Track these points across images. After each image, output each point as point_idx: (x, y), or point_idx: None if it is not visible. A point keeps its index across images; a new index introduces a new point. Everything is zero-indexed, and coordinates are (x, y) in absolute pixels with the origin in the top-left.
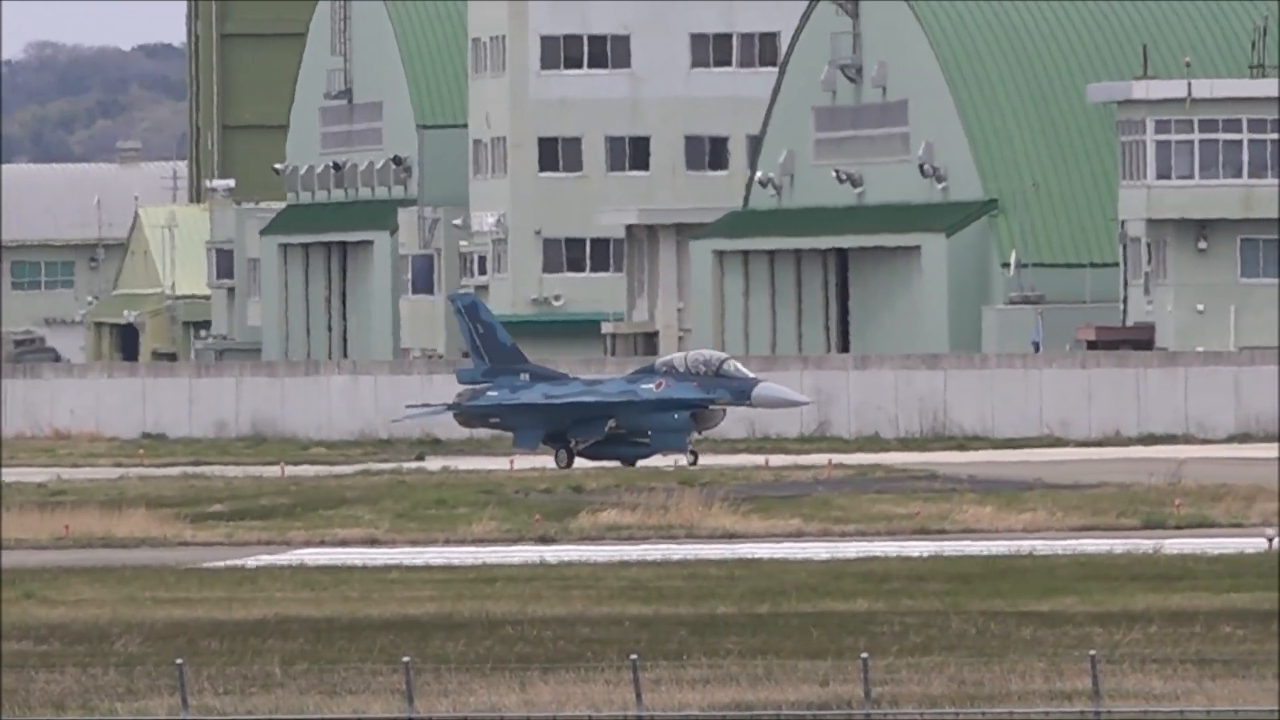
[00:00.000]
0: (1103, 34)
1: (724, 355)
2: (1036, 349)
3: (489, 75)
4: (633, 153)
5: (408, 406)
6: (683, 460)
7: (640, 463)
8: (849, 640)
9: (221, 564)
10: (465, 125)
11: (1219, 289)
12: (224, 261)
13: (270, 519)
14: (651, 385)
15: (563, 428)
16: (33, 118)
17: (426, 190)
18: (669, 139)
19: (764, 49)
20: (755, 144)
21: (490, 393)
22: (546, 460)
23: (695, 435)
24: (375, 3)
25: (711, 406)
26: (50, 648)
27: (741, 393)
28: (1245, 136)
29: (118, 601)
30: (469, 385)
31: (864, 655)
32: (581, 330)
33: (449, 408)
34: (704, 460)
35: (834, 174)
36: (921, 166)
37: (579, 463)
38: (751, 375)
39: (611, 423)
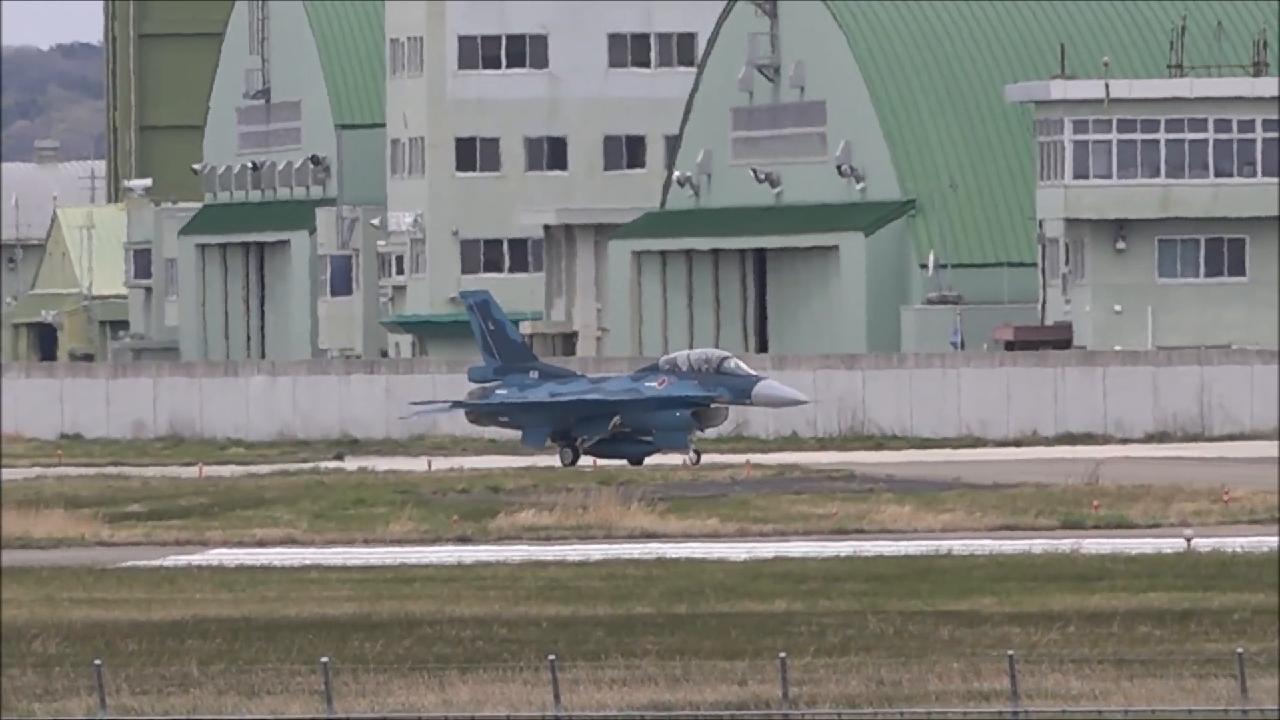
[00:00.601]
0: (1021, 34)
1: (725, 353)
2: (957, 348)
3: (407, 75)
4: (551, 153)
5: (411, 404)
6: (686, 458)
7: (640, 460)
8: (767, 640)
9: (139, 564)
10: (383, 125)
11: (1137, 289)
12: (142, 262)
13: (188, 519)
14: (655, 383)
15: (569, 426)
16: None
17: (345, 190)
18: (587, 139)
19: (682, 49)
20: (673, 144)
21: (499, 391)
22: (464, 460)
23: (698, 433)
24: (293, 3)
25: (713, 405)
26: None
27: (741, 391)
28: (1163, 136)
29: (35, 602)
30: (480, 383)
31: (782, 655)
32: None
33: (454, 405)
34: (624, 460)
35: (752, 174)
36: (839, 166)
37: (506, 461)
38: (752, 373)
39: (616, 421)
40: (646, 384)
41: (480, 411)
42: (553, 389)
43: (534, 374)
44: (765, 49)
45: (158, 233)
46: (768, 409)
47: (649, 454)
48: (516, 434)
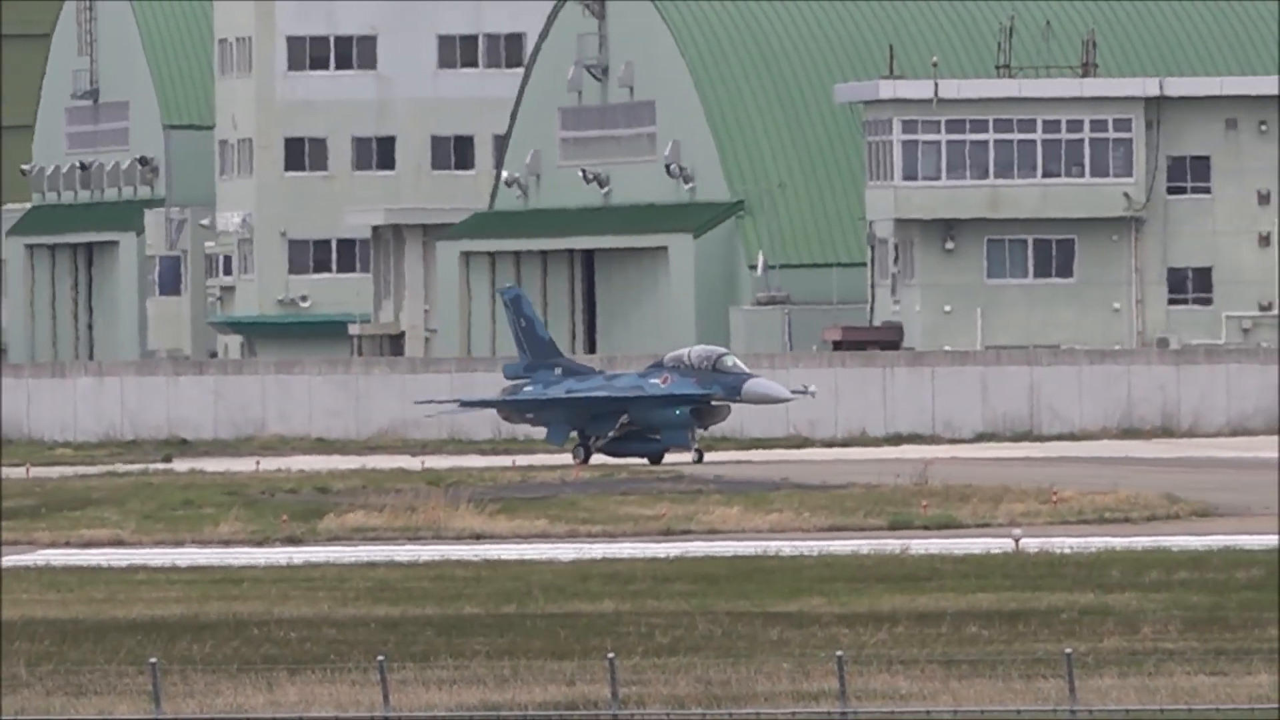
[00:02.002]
0: (849, 34)
1: (722, 350)
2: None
3: (235, 76)
4: (379, 153)
5: (416, 402)
6: (687, 456)
7: (659, 458)
8: (595, 641)
9: None
10: (212, 126)
11: (966, 289)
12: None
13: (15, 520)
14: (658, 380)
15: (584, 424)
16: None
17: (173, 191)
18: (415, 139)
19: (510, 50)
20: (501, 144)
21: (527, 388)
22: (294, 461)
23: (701, 431)
24: (121, 3)
25: (714, 402)
26: None
27: (732, 388)
28: (992, 137)
29: None
30: (513, 380)
31: (610, 656)
32: (328, 331)
33: (463, 405)
34: (453, 461)
35: (580, 174)
36: (668, 167)
37: (334, 462)
38: (745, 371)
39: (623, 419)
40: (651, 381)
41: (510, 409)
42: (570, 386)
43: (558, 371)
44: (594, 49)
45: None
46: (757, 405)
47: (662, 452)
48: (351, 432)
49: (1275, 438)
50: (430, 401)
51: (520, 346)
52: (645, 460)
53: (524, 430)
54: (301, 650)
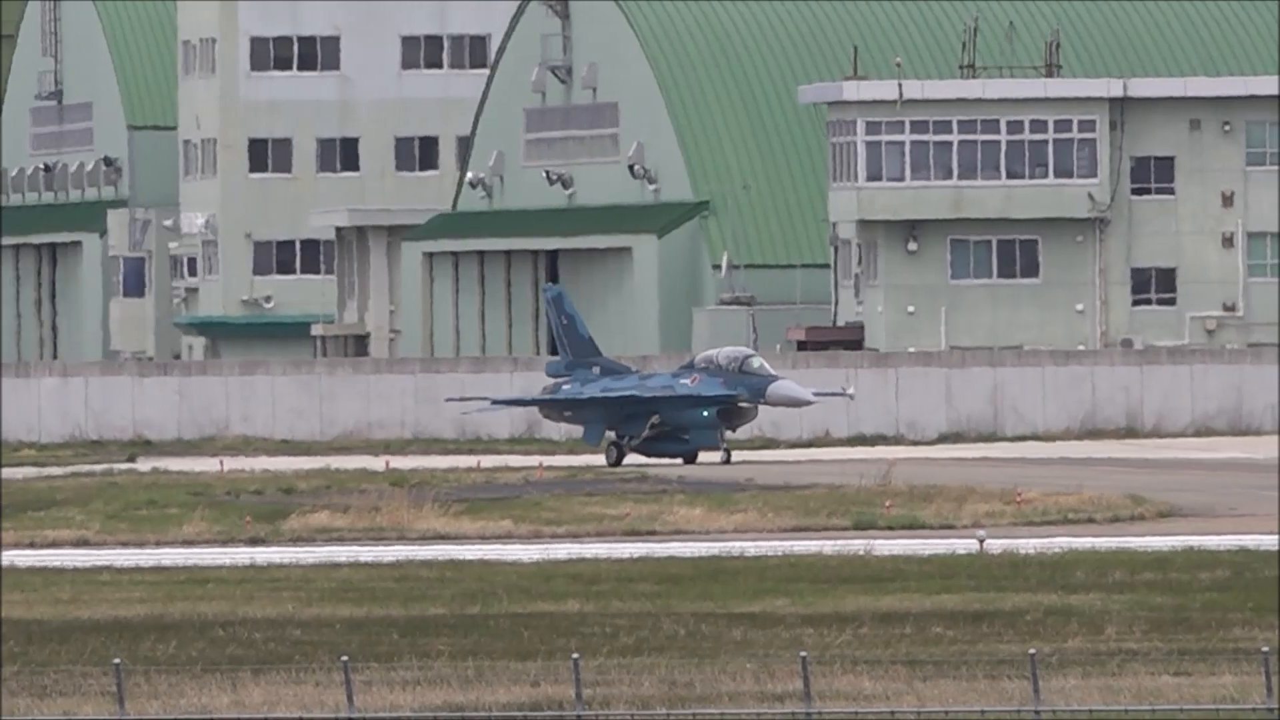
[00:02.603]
0: (813, 35)
1: (749, 351)
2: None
3: (199, 76)
4: (343, 154)
5: (447, 400)
6: (715, 457)
7: (693, 458)
8: (560, 641)
9: None
10: (175, 127)
11: (929, 290)
12: None
13: None
14: (688, 381)
15: (618, 423)
16: None
17: (137, 192)
18: (379, 140)
19: (474, 51)
20: (465, 145)
21: (565, 387)
22: (258, 462)
23: (729, 433)
24: (85, 3)
25: (740, 404)
26: None
27: (758, 390)
28: (956, 138)
29: None
30: (554, 378)
31: (575, 656)
32: (292, 332)
33: (495, 404)
34: (417, 462)
35: (544, 175)
36: (632, 168)
37: (298, 463)
38: (771, 373)
39: (654, 419)
40: (681, 382)
41: (550, 407)
42: (606, 385)
43: (596, 370)
44: (558, 50)
45: None
46: (781, 407)
47: (694, 452)
48: (315, 433)
49: (1238, 439)
50: (461, 399)
51: (561, 345)
52: (679, 460)
53: (488, 429)
54: (266, 651)
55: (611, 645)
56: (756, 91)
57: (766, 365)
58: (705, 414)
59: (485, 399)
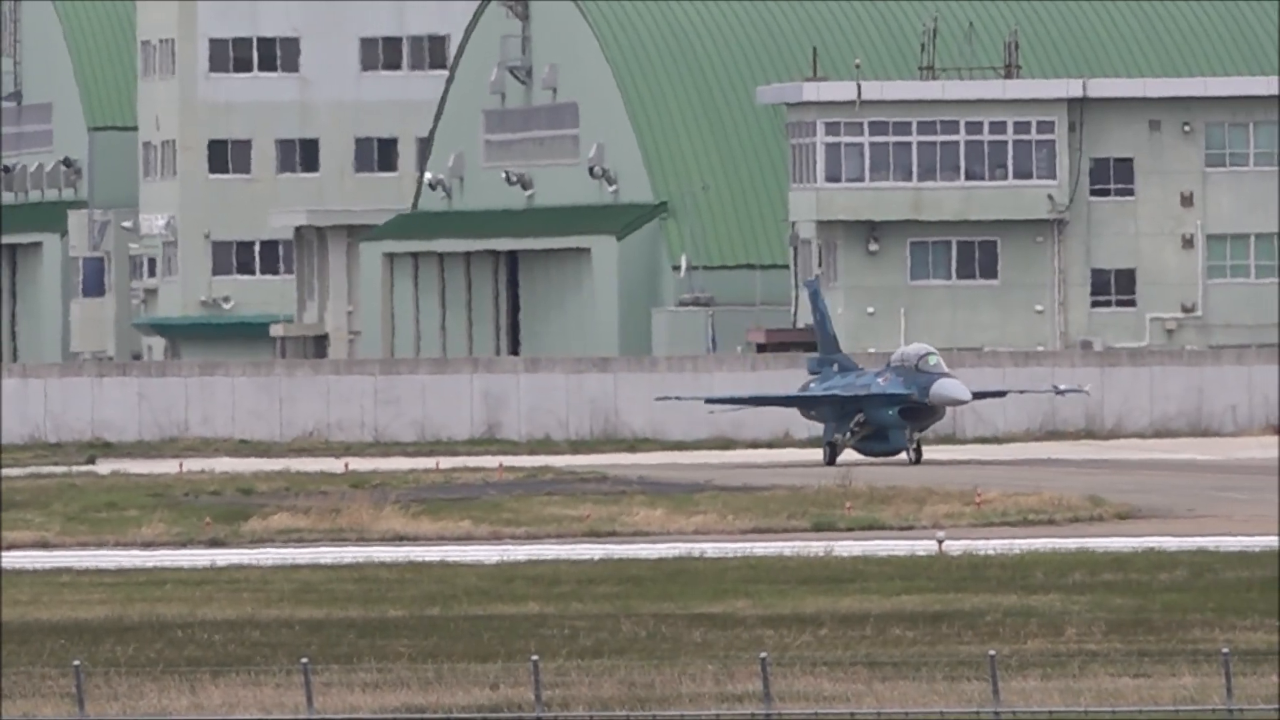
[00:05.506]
0: (773, 36)
1: (927, 349)
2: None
3: (158, 78)
4: (302, 155)
5: (658, 399)
6: (904, 456)
7: (896, 452)
8: (519, 643)
9: None
10: (135, 128)
11: (889, 291)
12: None
13: None
14: (881, 379)
15: (837, 422)
16: None
17: (97, 193)
18: (339, 141)
19: (434, 52)
20: (425, 146)
21: (811, 384)
22: (217, 463)
23: (916, 432)
24: (44, 3)
25: (914, 401)
26: None
27: (925, 388)
28: (915, 139)
29: None
30: (811, 375)
31: (534, 658)
32: (252, 333)
33: (709, 401)
34: (377, 463)
35: (504, 176)
36: (591, 169)
37: (258, 464)
38: (938, 372)
39: (859, 417)
40: (877, 380)
41: (799, 404)
42: (833, 383)
43: (835, 367)
44: (517, 51)
45: None
46: (942, 406)
47: (895, 450)
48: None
49: (1198, 440)
50: (673, 398)
51: (818, 341)
52: (887, 457)
53: (446, 430)
54: (225, 652)
55: (571, 647)
56: (716, 92)
57: (941, 364)
58: (890, 413)
59: (700, 398)
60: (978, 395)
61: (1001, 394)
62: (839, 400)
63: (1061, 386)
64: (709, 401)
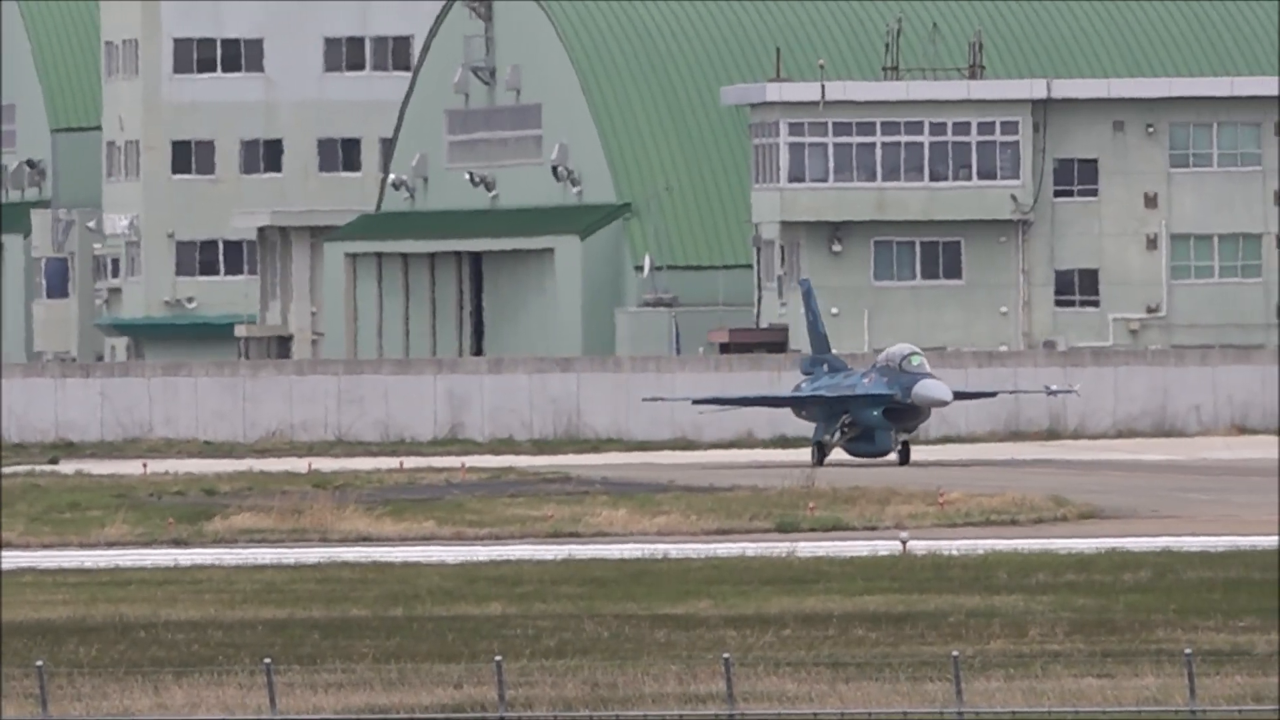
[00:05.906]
0: (736, 36)
1: (910, 349)
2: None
3: (122, 78)
4: (266, 155)
5: (645, 399)
6: (891, 458)
7: (885, 454)
8: (483, 643)
9: None
10: (99, 128)
11: (853, 291)
12: None
13: None
14: (866, 379)
15: (825, 422)
16: None
17: (60, 193)
18: (302, 142)
19: (397, 52)
20: (388, 147)
21: (803, 385)
22: (181, 463)
23: (903, 433)
24: (8, 3)
25: (896, 402)
26: None
27: (907, 388)
28: (879, 139)
29: None
30: (804, 375)
31: (498, 658)
32: (215, 333)
33: (696, 402)
34: (340, 463)
35: (467, 177)
36: (555, 169)
37: (221, 465)
38: (920, 372)
39: (846, 418)
40: (862, 380)
41: (793, 404)
42: (821, 384)
43: (825, 367)
44: (480, 52)
45: None
46: (926, 406)
47: (882, 451)
48: (238, 435)
49: (1161, 440)
50: (658, 399)
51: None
52: (874, 458)
53: (410, 431)
54: (188, 653)
55: (535, 647)
56: (679, 93)
57: (925, 364)
58: (875, 414)
59: (684, 398)
60: (969, 396)
61: (992, 394)
62: (826, 401)
63: (1053, 387)
64: (696, 402)
